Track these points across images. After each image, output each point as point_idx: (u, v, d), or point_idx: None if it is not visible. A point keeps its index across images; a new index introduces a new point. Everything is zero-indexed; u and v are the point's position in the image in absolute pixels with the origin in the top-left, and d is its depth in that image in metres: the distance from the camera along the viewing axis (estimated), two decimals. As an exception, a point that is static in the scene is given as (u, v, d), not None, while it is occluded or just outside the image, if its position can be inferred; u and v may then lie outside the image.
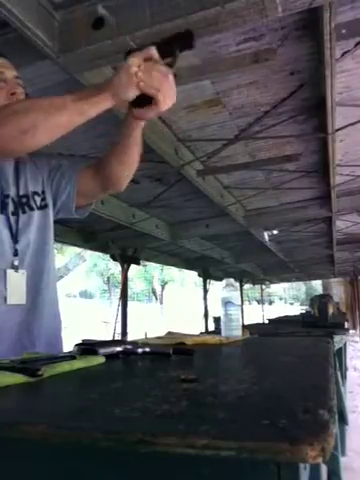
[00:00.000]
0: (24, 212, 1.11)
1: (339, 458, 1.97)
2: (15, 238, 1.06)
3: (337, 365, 2.74)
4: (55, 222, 1.21)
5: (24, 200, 1.12)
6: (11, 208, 1.08)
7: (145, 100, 0.94)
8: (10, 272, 1.04)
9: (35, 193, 1.15)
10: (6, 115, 0.92)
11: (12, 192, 1.10)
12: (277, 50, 2.30)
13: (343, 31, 2.15)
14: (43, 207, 1.16)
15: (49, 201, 1.18)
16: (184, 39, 0.96)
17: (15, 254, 1.06)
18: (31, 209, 1.12)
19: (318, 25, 2.06)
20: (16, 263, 1.05)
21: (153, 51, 0.93)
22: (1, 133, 0.90)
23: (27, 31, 1.68)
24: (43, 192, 1.17)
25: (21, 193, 1.12)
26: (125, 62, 0.93)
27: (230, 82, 2.67)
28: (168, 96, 0.94)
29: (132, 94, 0.93)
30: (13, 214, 1.08)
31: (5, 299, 1.02)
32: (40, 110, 0.91)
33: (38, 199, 1.15)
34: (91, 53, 1.82)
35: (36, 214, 1.13)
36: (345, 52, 2.38)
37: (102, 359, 0.82)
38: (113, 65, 2.06)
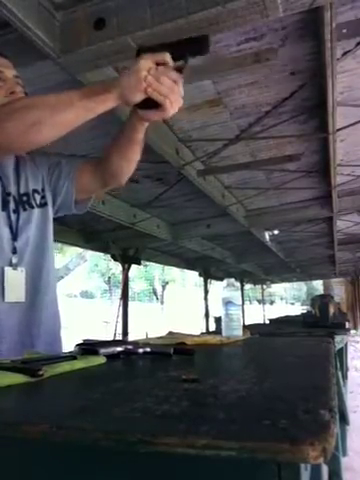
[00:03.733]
0: (24, 210, 1.11)
1: (340, 458, 1.97)
2: (15, 236, 1.07)
3: (338, 365, 2.73)
4: (55, 221, 1.21)
5: (25, 198, 1.12)
6: (12, 206, 1.08)
7: (151, 103, 0.93)
8: (8, 270, 1.04)
9: (35, 191, 1.15)
10: (12, 111, 0.92)
11: (13, 190, 1.10)
12: (278, 50, 2.31)
13: (344, 31, 2.15)
14: (43, 205, 1.16)
15: (49, 199, 1.18)
16: (198, 44, 0.93)
17: (14, 252, 1.06)
18: (31, 207, 1.13)
19: (319, 25, 2.07)
20: (14, 261, 1.05)
21: (166, 56, 0.90)
22: (7, 128, 0.90)
23: (28, 31, 1.68)
24: (43, 190, 1.17)
25: (22, 191, 1.12)
26: (135, 61, 0.91)
27: (231, 82, 2.67)
28: (175, 102, 0.93)
29: (139, 98, 0.92)
30: (14, 212, 1.08)
31: (3, 297, 1.02)
32: (46, 106, 0.91)
33: (38, 197, 1.15)
34: (92, 53, 1.82)
35: (36, 212, 1.13)
36: (346, 52, 2.38)
37: (103, 359, 0.82)
38: (114, 65, 2.07)
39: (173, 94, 0.91)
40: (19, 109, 0.91)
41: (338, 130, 3.14)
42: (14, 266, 1.05)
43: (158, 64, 0.91)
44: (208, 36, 0.93)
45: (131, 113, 1.03)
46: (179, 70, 0.92)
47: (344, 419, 2.62)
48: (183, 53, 0.93)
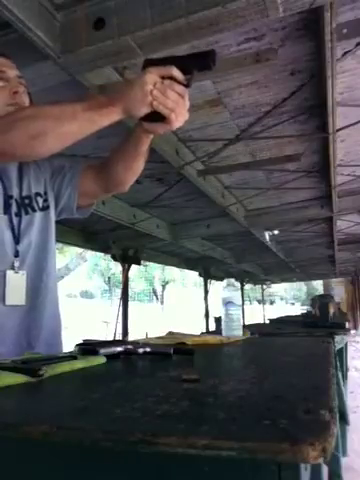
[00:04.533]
0: (27, 213, 1.11)
1: (340, 458, 1.96)
2: (17, 239, 1.07)
3: (338, 365, 2.73)
4: (56, 222, 1.21)
5: (27, 201, 1.12)
6: (14, 209, 1.08)
7: (157, 116, 0.92)
8: (10, 273, 1.04)
9: (37, 194, 1.15)
10: (16, 120, 0.92)
11: (15, 193, 1.10)
12: (278, 50, 2.31)
13: (344, 31, 2.15)
14: (45, 208, 1.16)
15: (51, 202, 1.18)
16: (205, 59, 0.93)
17: (16, 255, 1.06)
18: (33, 210, 1.13)
19: (319, 25, 2.07)
20: (16, 264, 1.05)
21: (173, 70, 0.90)
22: (11, 138, 0.90)
23: (28, 32, 1.68)
24: (45, 193, 1.17)
25: (24, 194, 1.12)
26: (140, 74, 0.91)
27: (231, 82, 2.67)
28: (181, 115, 0.93)
29: (144, 111, 0.91)
30: (16, 215, 1.08)
31: (4, 300, 1.02)
32: (51, 117, 0.91)
33: (40, 200, 1.15)
34: (92, 54, 1.82)
35: (38, 215, 1.13)
36: (346, 52, 2.38)
37: (103, 359, 0.82)
38: (114, 65, 2.07)
39: (179, 107, 0.91)
40: (24, 119, 0.92)
41: (338, 130, 3.14)
42: (16, 269, 1.05)
43: (164, 78, 0.90)
44: (214, 51, 0.93)
45: (136, 125, 1.02)
46: (185, 84, 0.92)
47: (344, 419, 2.62)
48: (190, 68, 0.92)
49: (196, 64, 0.93)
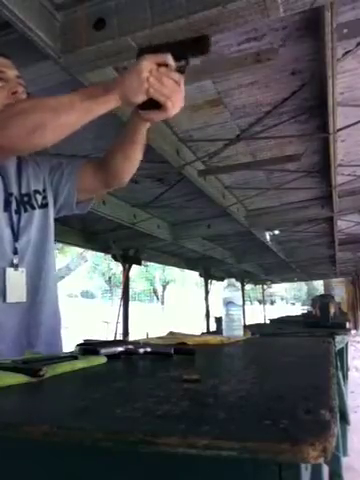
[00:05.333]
0: (26, 211, 1.11)
1: (341, 458, 1.97)
2: (16, 236, 1.07)
3: (338, 365, 2.73)
4: (56, 221, 1.21)
5: (26, 199, 1.12)
6: (14, 206, 1.08)
7: (153, 103, 0.93)
8: (9, 270, 1.04)
9: (36, 192, 1.15)
10: (14, 114, 0.92)
11: (15, 190, 1.10)
12: (278, 50, 2.31)
13: (345, 31, 2.15)
14: (44, 206, 1.16)
15: (50, 199, 1.18)
16: (199, 44, 0.93)
17: (15, 252, 1.06)
18: (32, 208, 1.13)
19: (319, 25, 2.07)
20: (15, 261, 1.05)
21: (167, 57, 0.90)
22: (9, 132, 0.90)
23: (29, 32, 1.68)
24: (44, 190, 1.17)
25: (23, 192, 1.12)
26: (136, 62, 0.91)
27: (231, 82, 2.67)
28: (177, 102, 0.93)
29: (141, 99, 0.92)
30: (16, 213, 1.08)
31: (4, 297, 1.02)
32: (48, 109, 0.91)
33: (39, 198, 1.15)
34: (92, 53, 1.82)
35: (37, 213, 1.13)
36: (347, 52, 2.38)
37: (103, 359, 0.82)
38: (115, 65, 2.07)
39: (175, 94, 0.91)
40: (21, 112, 0.92)
41: (338, 130, 3.14)
42: (15, 267, 1.05)
43: (159, 65, 0.90)
44: (208, 36, 0.93)
45: (132, 114, 1.03)
46: (180, 70, 0.92)
47: (345, 419, 2.62)
48: (184, 53, 0.92)
49: (191, 50, 0.93)
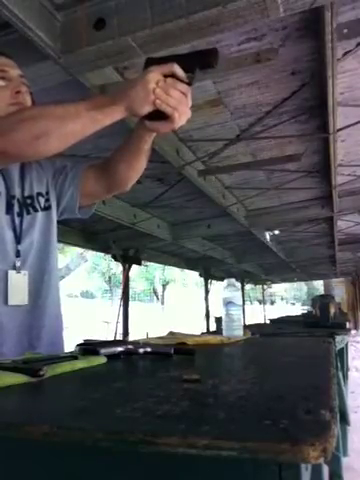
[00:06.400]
0: (28, 213, 1.11)
1: (341, 458, 1.97)
2: (18, 239, 1.07)
3: (339, 365, 2.73)
4: (57, 222, 1.21)
5: (29, 201, 1.12)
6: (16, 209, 1.08)
7: (159, 114, 0.92)
8: (11, 273, 1.04)
9: (39, 194, 1.15)
10: (19, 120, 0.92)
11: (17, 193, 1.10)
12: (278, 50, 2.30)
13: (345, 31, 2.15)
14: (47, 208, 1.16)
15: (53, 202, 1.18)
16: (207, 57, 0.93)
17: (17, 255, 1.06)
18: (35, 210, 1.13)
19: (319, 25, 2.07)
20: (18, 264, 1.05)
21: (175, 68, 0.90)
22: (15, 138, 0.90)
23: (29, 32, 1.68)
24: (47, 193, 1.17)
25: (26, 194, 1.12)
26: (143, 73, 0.90)
27: (231, 82, 2.67)
28: (184, 114, 0.92)
29: (147, 109, 0.91)
30: (18, 215, 1.08)
31: (6, 300, 1.02)
32: (54, 117, 0.91)
33: (42, 200, 1.15)
34: (92, 53, 1.82)
35: (40, 215, 1.13)
36: (347, 52, 2.38)
37: (103, 359, 0.82)
38: (115, 65, 2.07)
39: (181, 106, 0.91)
40: (27, 119, 0.92)
41: (339, 130, 3.14)
42: (17, 269, 1.05)
43: (166, 76, 0.90)
44: (217, 50, 0.93)
45: (138, 123, 1.02)
46: (188, 82, 0.92)
47: (345, 419, 2.62)
48: (192, 66, 0.92)
49: (198, 62, 0.93)
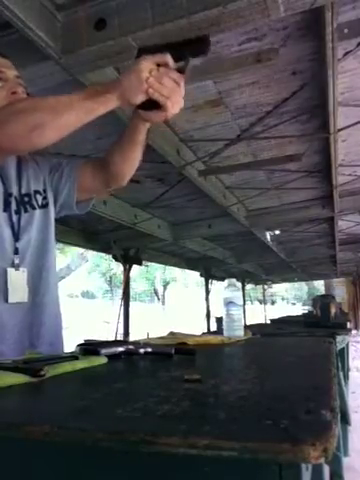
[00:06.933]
0: (26, 211, 1.11)
1: (341, 458, 1.97)
2: (16, 237, 1.07)
3: (339, 365, 2.73)
4: (56, 221, 1.21)
5: (26, 199, 1.12)
6: (14, 207, 1.09)
7: (153, 104, 0.92)
8: (10, 270, 1.04)
9: (37, 192, 1.15)
10: (13, 113, 0.92)
11: (15, 191, 1.10)
12: (279, 50, 2.30)
13: (345, 31, 2.15)
14: (44, 206, 1.16)
15: (50, 199, 1.18)
16: (199, 44, 0.93)
17: (16, 252, 1.06)
18: (33, 208, 1.13)
19: (320, 25, 2.06)
20: (16, 261, 1.06)
21: (167, 57, 0.90)
22: (9, 131, 0.90)
23: (29, 32, 1.68)
24: (44, 190, 1.18)
25: (23, 192, 1.12)
26: (136, 62, 0.91)
27: (232, 82, 2.67)
28: (177, 103, 0.93)
29: (140, 99, 0.92)
30: (16, 213, 1.08)
31: (6, 298, 1.02)
32: (48, 109, 0.91)
33: (40, 198, 1.16)
34: (93, 54, 1.82)
35: (37, 213, 1.14)
36: (347, 52, 2.38)
37: (104, 359, 0.82)
38: (115, 66, 2.07)
39: (175, 95, 0.91)
40: (21, 111, 0.92)
41: (339, 130, 3.14)
42: (16, 267, 1.05)
43: (159, 65, 0.90)
44: (208, 36, 0.93)
45: (133, 114, 1.03)
46: (180, 71, 0.92)
47: (345, 419, 2.62)
48: (184, 54, 0.92)
49: (190, 50, 0.93)
